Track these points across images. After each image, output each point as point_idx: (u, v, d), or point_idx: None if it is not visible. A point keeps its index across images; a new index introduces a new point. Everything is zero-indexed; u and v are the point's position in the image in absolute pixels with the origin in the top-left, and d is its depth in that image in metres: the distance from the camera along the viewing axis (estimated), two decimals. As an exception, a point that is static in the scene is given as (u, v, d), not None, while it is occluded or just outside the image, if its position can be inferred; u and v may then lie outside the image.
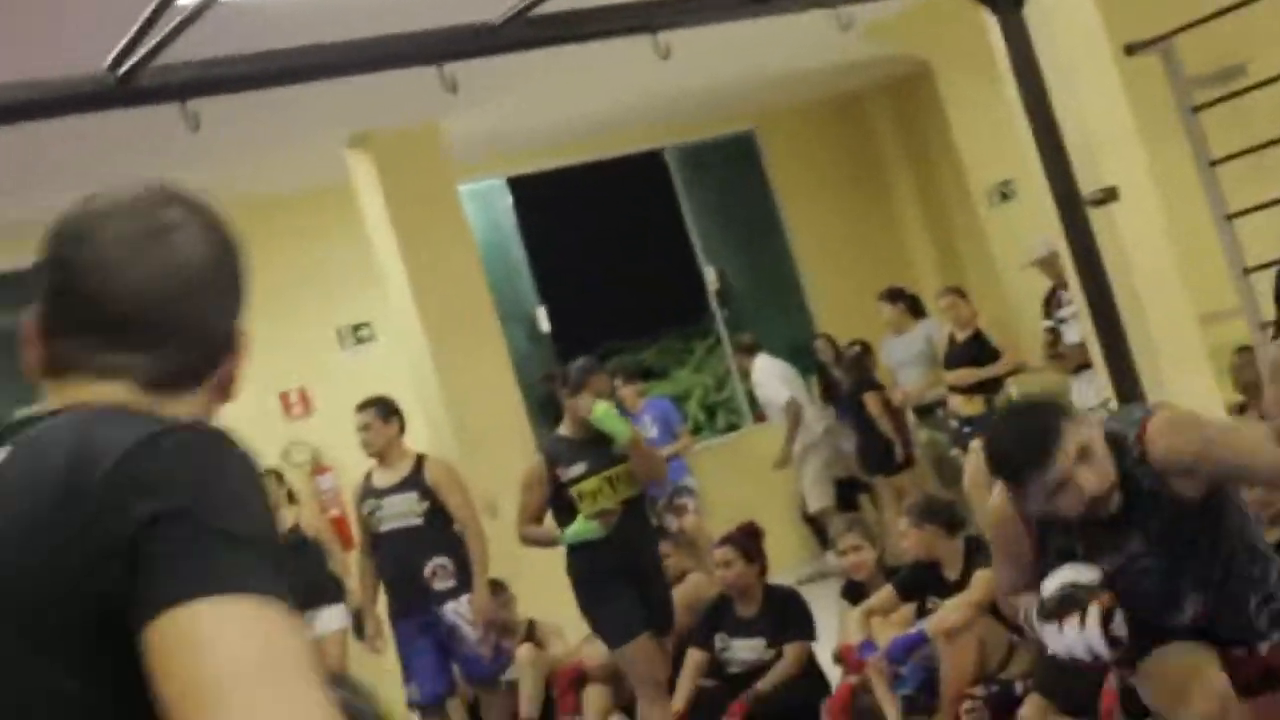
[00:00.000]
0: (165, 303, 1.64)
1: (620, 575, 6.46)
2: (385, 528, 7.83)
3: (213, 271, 1.68)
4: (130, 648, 1.39)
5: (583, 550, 6.51)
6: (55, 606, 1.43)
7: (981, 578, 6.50)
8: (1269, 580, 3.98)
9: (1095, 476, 3.69)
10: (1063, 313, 9.33)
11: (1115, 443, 3.80)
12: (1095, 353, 6.84)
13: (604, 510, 6.45)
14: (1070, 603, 3.65)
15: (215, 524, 1.42)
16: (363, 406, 7.99)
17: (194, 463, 1.48)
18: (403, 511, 7.81)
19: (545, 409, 11.62)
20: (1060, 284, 9.29)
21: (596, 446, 6.58)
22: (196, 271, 1.66)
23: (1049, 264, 9.36)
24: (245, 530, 1.45)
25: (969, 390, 10.09)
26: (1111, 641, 3.60)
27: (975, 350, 10.19)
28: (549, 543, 6.67)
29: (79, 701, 1.44)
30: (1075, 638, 3.62)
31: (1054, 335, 9.67)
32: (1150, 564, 3.82)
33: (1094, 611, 3.60)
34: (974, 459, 9.94)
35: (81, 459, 1.47)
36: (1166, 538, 3.81)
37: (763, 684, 7.18)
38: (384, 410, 7.96)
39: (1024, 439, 3.78)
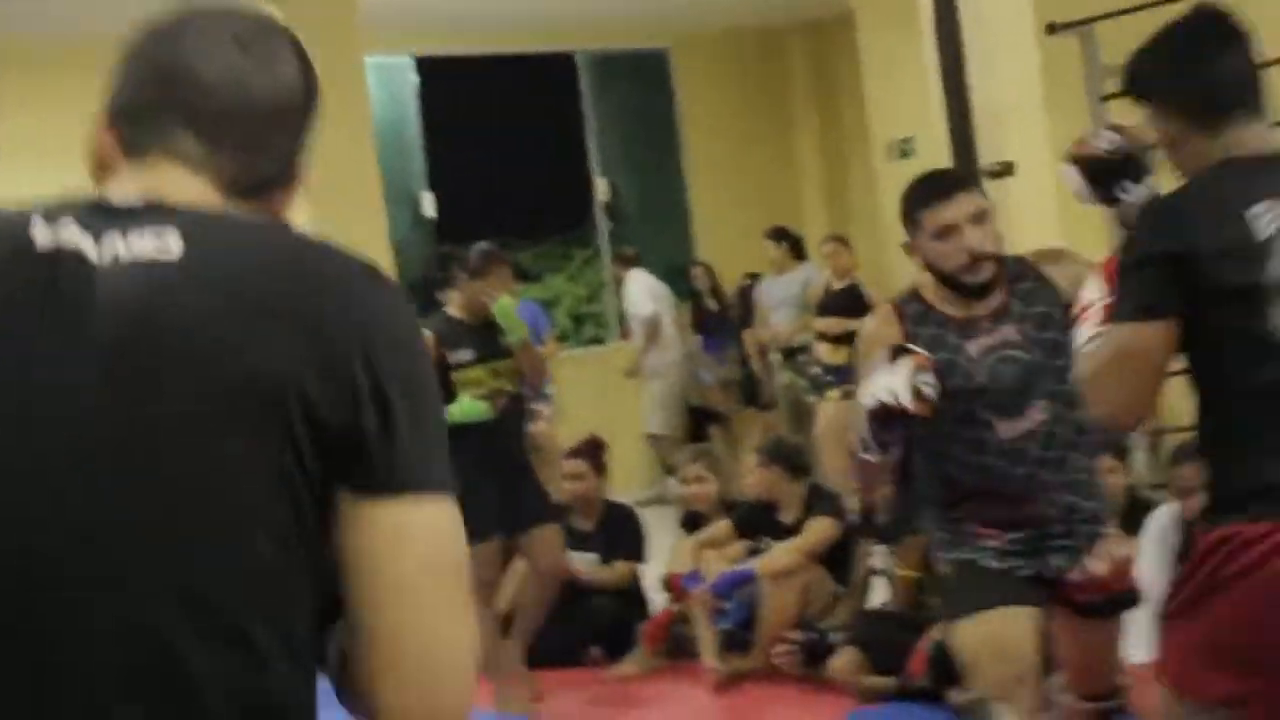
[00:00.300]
0: (269, 111, 1.63)
1: (485, 469, 6.11)
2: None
3: (303, 101, 1.68)
4: (300, 452, 1.46)
5: (456, 435, 6.24)
6: (260, 394, 1.46)
7: (817, 526, 6.55)
8: (1095, 474, 4.17)
9: (982, 236, 3.96)
10: None
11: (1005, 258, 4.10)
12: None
13: (496, 390, 6.22)
14: (893, 355, 3.83)
15: (433, 406, 1.55)
16: None
17: (407, 323, 1.54)
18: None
19: (417, 292, 11.51)
20: None
21: (485, 335, 6.33)
22: (294, 94, 1.66)
23: None
24: (442, 409, 1.58)
25: (836, 339, 10.11)
26: (915, 391, 3.70)
27: (849, 301, 10.21)
28: None
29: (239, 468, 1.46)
30: (884, 379, 3.75)
31: None
32: (1017, 354, 3.98)
33: (908, 361, 3.75)
34: (829, 409, 10.02)
35: (299, 272, 1.51)
36: (1037, 332, 3.99)
37: (584, 574, 7.17)
38: None
39: (935, 178, 4.17)
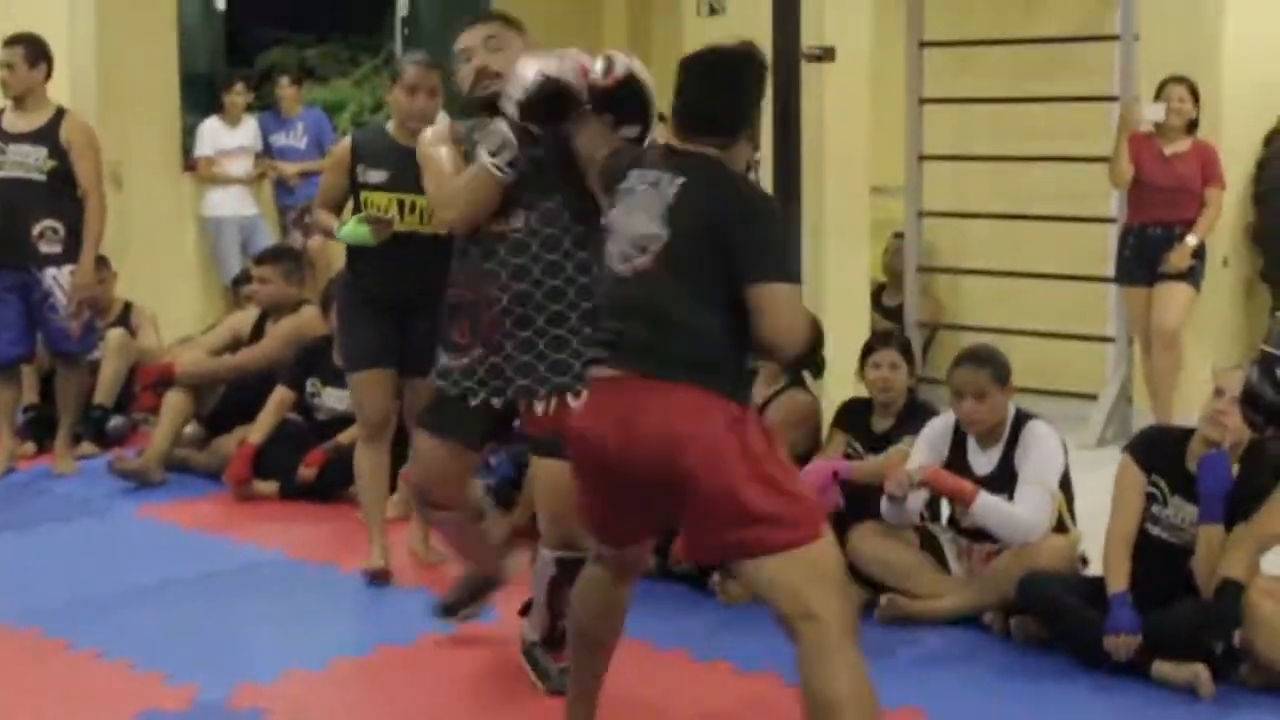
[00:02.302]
0: None
1: (380, 305, 5.75)
2: (2, 174, 7.35)
3: None
4: None
5: (354, 263, 5.81)
6: None
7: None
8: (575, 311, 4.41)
9: (489, 59, 4.50)
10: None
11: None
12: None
13: (378, 218, 5.60)
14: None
15: None
16: (10, 42, 7.41)
17: None
18: (27, 164, 7.34)
19: (199, 86, 11.07)
20: None
21: (410, 161, 5.31)
22: None
23: None
24: None
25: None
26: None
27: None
28: (328, 234, 5.96)
29: None
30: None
31: None
32: (535, 155, 4.37)
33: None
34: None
35: None
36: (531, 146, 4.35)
37: (345, 436, 6.95)
38: (34, 51, 7.43)
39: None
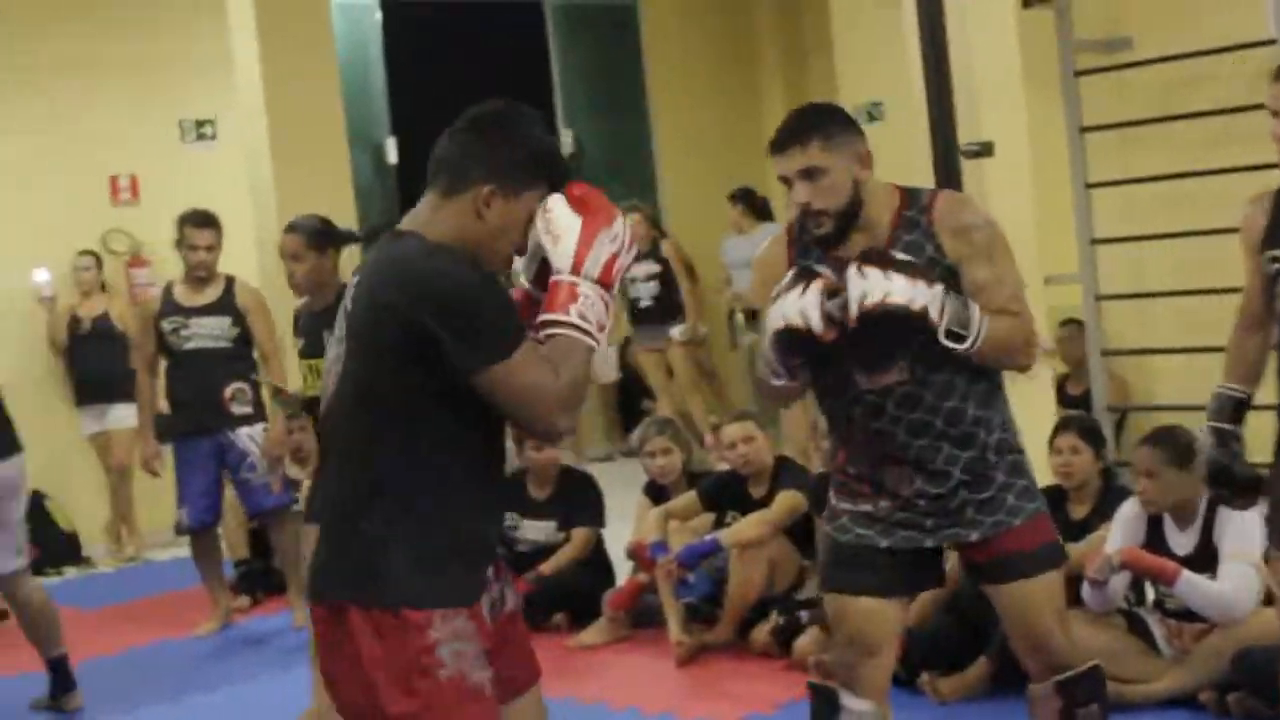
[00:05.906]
0: None
1: None
2: (190, 346, 7.58)
3: None
4: None
5: None
6: None
7: (784, 499, 6.51)
8: (989, 430, 3.88)
9: (810, 194, 3.70)
10: None
11: (908, 195, 3.82)
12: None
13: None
14: (798, 278, 3.66)
15: None
16: (204, 223, 7.63)
17: None
18: (213, 334, 7.60)
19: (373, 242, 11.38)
20: None
21: (321, 322, 5.28)
22: None
23: None
24: None
25: (802, 303, 10.06)
26: (827, 315, 3.58)
27: (815, 265, 10.14)
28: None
29: None
30: (793, 302, 3.61)
31: None
32: None
33: (817, 285, 3.61)
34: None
35: None
36: None
37: (547, 566, 7.14)
38: (221, 232, 7.68)
39: (790, 122, 3.80)
